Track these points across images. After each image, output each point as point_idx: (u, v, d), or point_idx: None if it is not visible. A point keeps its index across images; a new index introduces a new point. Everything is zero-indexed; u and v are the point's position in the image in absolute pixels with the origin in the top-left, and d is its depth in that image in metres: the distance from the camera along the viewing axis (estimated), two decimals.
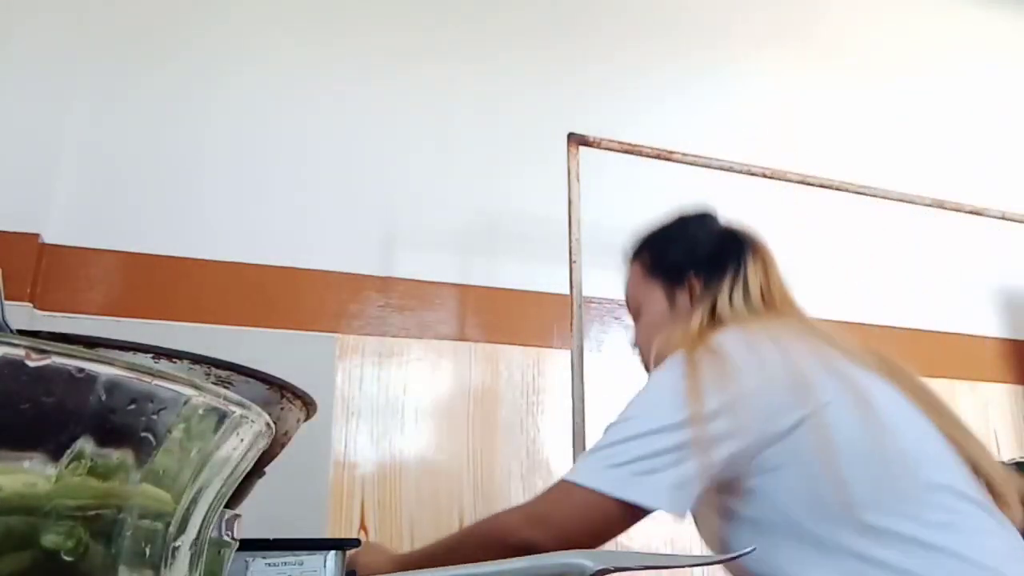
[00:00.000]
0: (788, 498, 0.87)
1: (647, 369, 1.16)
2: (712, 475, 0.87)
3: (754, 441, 0.88)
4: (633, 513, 0.86)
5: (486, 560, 0.79)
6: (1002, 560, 0.82)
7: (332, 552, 0.84)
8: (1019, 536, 0.88)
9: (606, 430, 0.94)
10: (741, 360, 0.92)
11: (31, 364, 0.25)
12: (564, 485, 0.90)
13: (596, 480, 0.87)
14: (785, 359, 0.92)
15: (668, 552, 1.62)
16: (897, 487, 0.85)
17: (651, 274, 1.15)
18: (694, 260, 1.11)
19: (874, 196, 1.74)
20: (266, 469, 0.83)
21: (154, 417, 0.28)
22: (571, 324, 1.41)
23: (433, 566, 0.88)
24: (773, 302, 1.06)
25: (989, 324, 2.15)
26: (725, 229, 1.15)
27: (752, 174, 1.63)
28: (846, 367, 0.93)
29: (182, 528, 0.31)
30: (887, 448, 0.86)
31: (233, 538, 0.53)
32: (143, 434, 0.28)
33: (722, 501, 0.92)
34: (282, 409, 0.78)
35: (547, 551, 0.79)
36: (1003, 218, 1.87)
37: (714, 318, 1.04)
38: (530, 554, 0.77)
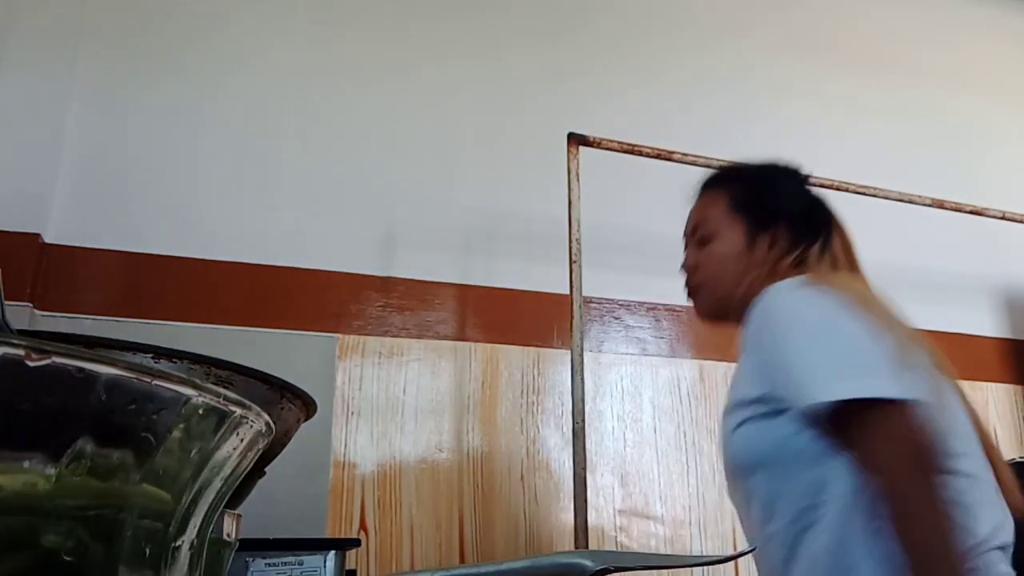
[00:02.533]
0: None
1: (693, 296, 1.16)
2: None
3: None
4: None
5: None
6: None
7: (332, 552, 0.84)
8: None
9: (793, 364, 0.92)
10: (884, 311, 0.96)
11: (31, 364, 0.25)
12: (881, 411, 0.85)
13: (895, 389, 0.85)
14: (903, 325, 0.97)
15: (668, 552, 1.62)
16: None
17: (738, 209, 1.13)
18: (787, 212, 1.11)
19: (874, 196, 1.74)
20: (266, 469, 0.83)
21: (154, 417, 0.28)
22: (571, 324, 1.41)
23: None
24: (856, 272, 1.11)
25: (989, 324, 2.15)
26: (816, 194, 1.17)
27: None
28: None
29: (182, 528, 0.31)
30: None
31: (233, 538, 0.53)
32: (143, 434, 0.28)
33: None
34: (282, 409, 0.78)
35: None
36: (1003, 218, 1.87)
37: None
38: None
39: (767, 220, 1.11)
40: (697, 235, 1.16)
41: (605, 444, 1.68)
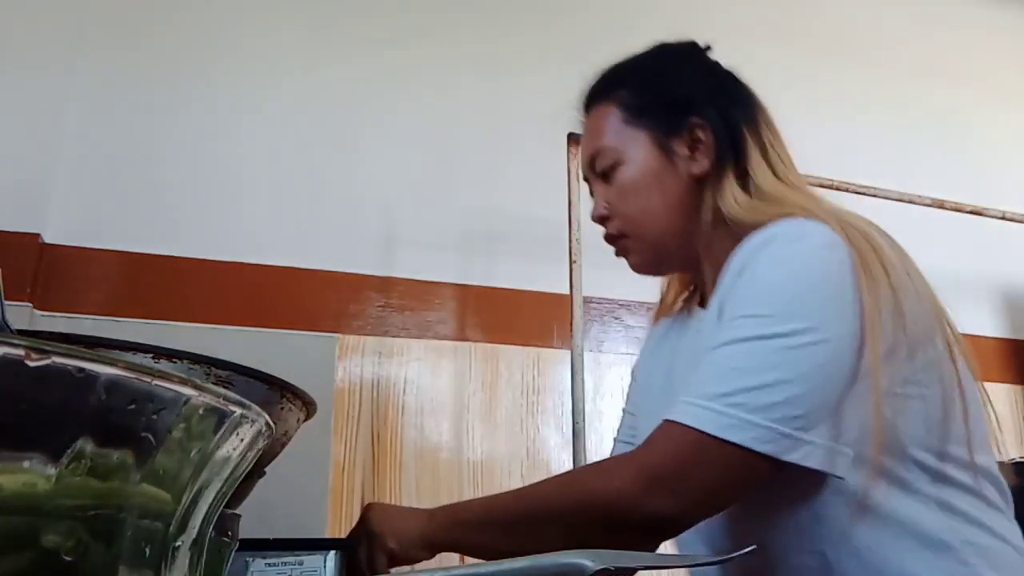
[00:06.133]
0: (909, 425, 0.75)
1: (620, 248, 0.92)
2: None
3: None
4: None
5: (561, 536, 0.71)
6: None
7: (332, 552, 0.84)
8: None
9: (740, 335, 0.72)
10: (898, 260, 0.77)
11: (31, 364, 0.25)
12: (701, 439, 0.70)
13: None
14: (920, 275, 0.79)
15: (668, 552, 1.62)
16: (983, 435, 0.81)
17: (634, 117, 0.89)
18: (696, 100, 0.89)
19: (874, 196, 1.74)
20: (266, 469, 0.83)
21: (154, 417, 0.28)
22: (571, 324, 1.41)
23: (484, 536, 0.84)
24: (795, 180, 0.88)
25: (989, 324, 2.15)
26: (722, 67, 0.95)
27: None
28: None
29: (182, 528, 0.31)
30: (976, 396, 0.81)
31: (233, 538, 0.53)
32: (143, 434, 0.28)
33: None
34: (282, 409, 0.78)
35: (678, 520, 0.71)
36: (1003, 218, 1.87)
37: (745, 186, 0.84)
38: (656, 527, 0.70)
39: (674, 119, 0.88)
40: (597, 168, 0.92)
41: (605, 444, 1.67)
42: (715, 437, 0.68)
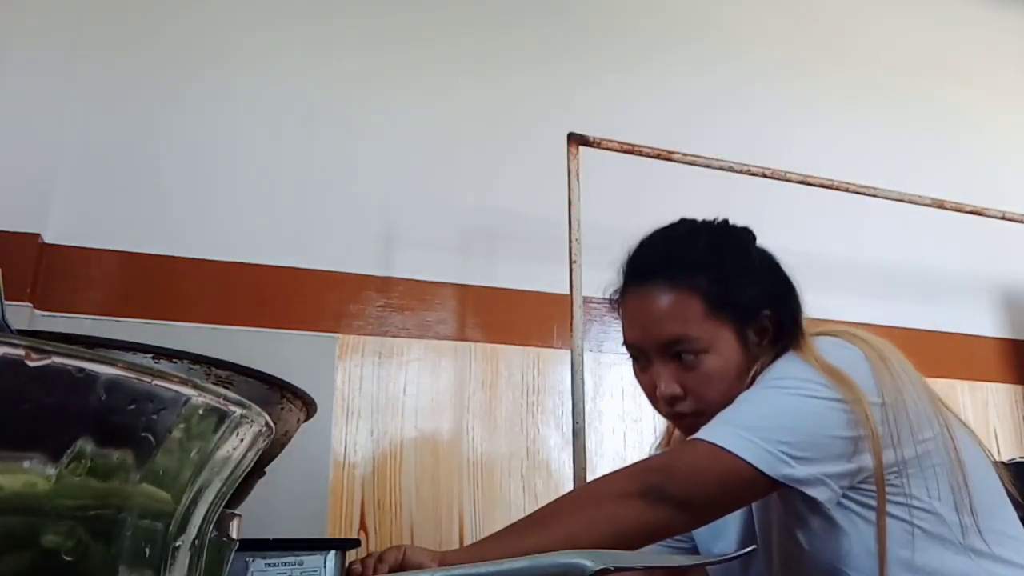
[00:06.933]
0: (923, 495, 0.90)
1: (687, 425, 0.99)
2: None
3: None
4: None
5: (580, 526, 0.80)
6: None
7: (332, 552, 0.84)
8: None
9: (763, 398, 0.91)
10: (900, 364, 0.93)
11: (31, 364, 0.25)
12: (707, 446, 0.87)
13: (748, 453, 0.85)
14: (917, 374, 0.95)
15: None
16: (998, 497, 0.94)
17: (715, 310, 0.96)
18: (767, 296, 0.99)
19: (874, 196, 1.74)
20: (266, 469, 0.83)
21: (154, 417, 0.28)
22: (571, 324, 1.41)
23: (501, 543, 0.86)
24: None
25: (989, 324, 2.15)
26: (769, 254, 1.05)
27: (752, 174, 1.63)
28: None
29: (182, 528, 0.31)
30: (987, 464, 0.96)
31: (233, 538, 0.53)
32: (143, 434, 0.28)
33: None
34: (282, 409, 0.78)
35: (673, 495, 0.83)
36: (1003, 218, 1.87)
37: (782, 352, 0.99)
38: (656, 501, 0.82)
39: (751, 313, 0.98)
40: (674, 351, 0.96)
41: (605, 444, 1.68)
42: (728, 450, 0.85)
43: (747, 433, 0.85)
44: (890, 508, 0.88)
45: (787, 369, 0.93)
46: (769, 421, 0.87)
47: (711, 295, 0.96)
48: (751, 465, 0.83)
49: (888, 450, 0.88)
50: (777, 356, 0.97)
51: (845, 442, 0.87)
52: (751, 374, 0.96)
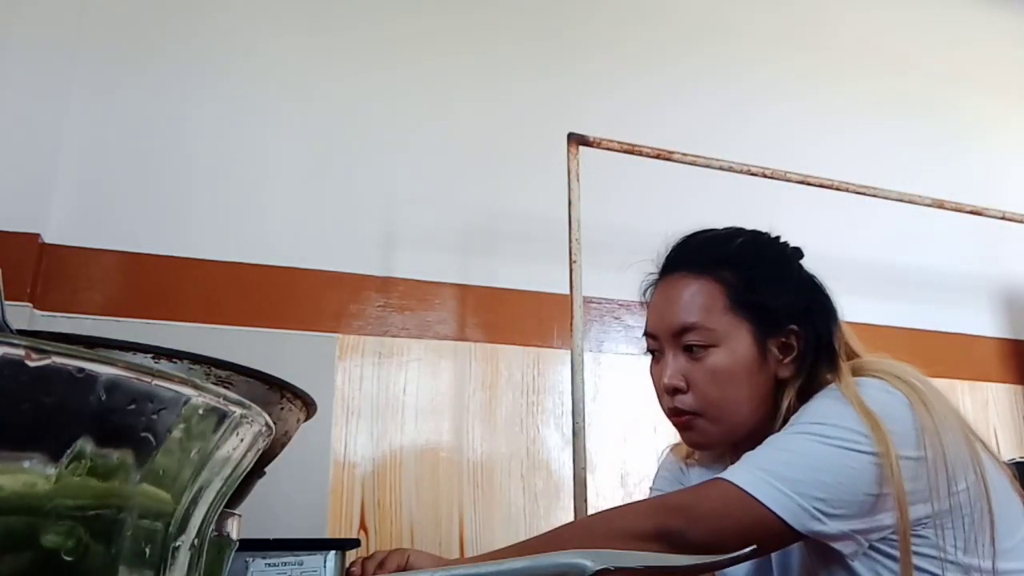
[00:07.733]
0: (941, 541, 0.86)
1: (686, 424, 0.94)
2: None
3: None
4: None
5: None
6: None
7: (332, 552, 0.84)
8: None
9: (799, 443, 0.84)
10: (942, 407, 0.88)
11: (31, 364, 0.25)
12: (736, 491, 0.82)
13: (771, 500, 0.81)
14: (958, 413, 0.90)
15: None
16: (1020, 536, 0.89)
17: (738, 306, 0.93)
18: (797, 310, 0.94)
19: (874, 196, 1.74)
20: (266, 469, 0.83)
21: (154, 417, 0.28)
22: (571, 324, 1.41)
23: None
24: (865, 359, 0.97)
25: (989, 324, 2.15)
26: (813, 274, 1.00)
27: (752, 174, 1.63)
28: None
29: (182, 528, 0.31)
30: (1019, 507, 0.91)
31: (233, 538, 0.53)
32: (143, 434, 0.28)
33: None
34: (282, 409, 0.78)
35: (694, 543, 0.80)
36: (1003, 218, 1.87)
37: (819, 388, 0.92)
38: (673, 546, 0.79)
39: (776, 321, 0.93)
40: (685, 341, 0.93)
41: (605, 444, 1.67)
42: (757, 500, 0.80)
43: (780, 484, 0.81)
44: (918, 561, 0.84)
45: (827, 414, 0.86)
46: (805, 474, 0.81)
47: (736, 290, 0.93)
48: (780, 519, 0.79)
49: (922, 504, 0.84)
50: (808, 384, 0.92)
51: (878, 499, 0.83)
52: (783, 405, 0.91)
